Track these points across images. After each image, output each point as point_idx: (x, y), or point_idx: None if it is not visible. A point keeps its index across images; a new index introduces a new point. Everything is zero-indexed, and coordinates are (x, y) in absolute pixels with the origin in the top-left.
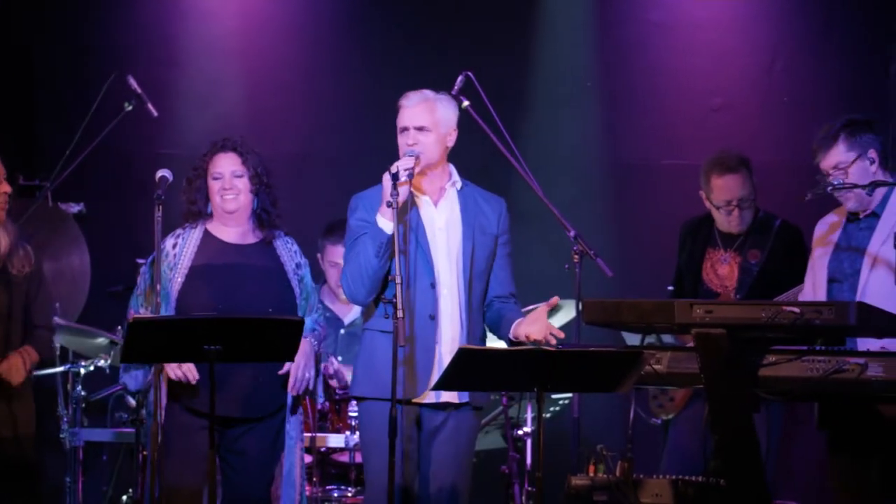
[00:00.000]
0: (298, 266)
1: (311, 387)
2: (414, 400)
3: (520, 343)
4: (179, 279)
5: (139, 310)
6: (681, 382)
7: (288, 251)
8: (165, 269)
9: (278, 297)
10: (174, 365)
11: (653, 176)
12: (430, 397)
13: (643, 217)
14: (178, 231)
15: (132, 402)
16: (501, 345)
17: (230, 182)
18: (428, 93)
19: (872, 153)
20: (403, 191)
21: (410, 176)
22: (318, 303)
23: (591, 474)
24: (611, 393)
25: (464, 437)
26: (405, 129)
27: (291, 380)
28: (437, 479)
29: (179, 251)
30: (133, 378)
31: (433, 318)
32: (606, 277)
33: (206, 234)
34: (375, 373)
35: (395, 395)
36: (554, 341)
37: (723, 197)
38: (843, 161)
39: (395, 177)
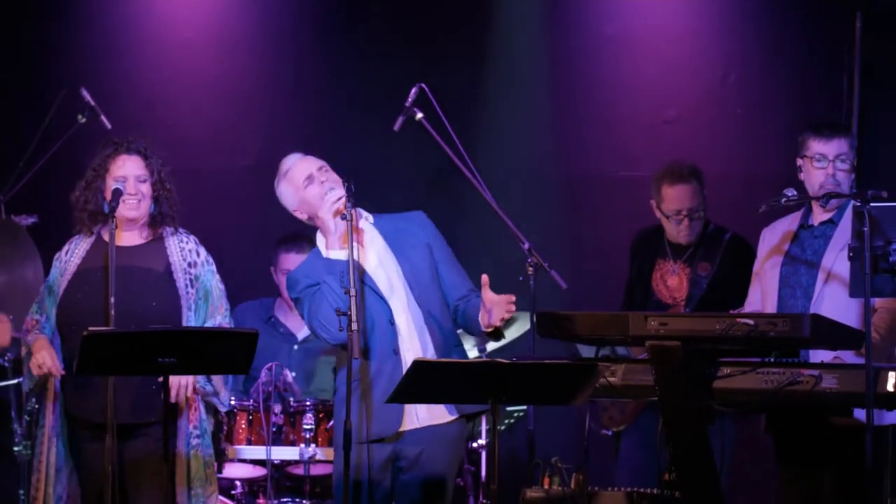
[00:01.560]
0: (192, 265)
1: (197, 390)
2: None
3: (497, 331)
4: (64, 282)
5: (33, 315)
6: (635, 395)
7: (180, 250)
8: (57, 275)
9: (159, 297)
10: (36, 363)
11: (607, 188)
12: (411, 424)
13: (597, 229)
14: (75, 238)
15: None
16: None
17: (134, 187)
18: None
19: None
20: (340, 224)
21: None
22: (265, 316)
23: (546, 487)
24: (566, 405)
25: (443, 449)
26: (309, 176)
27: (173, 389)
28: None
29: (69, 256)
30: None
31: (396, 352)
32: (561, 290)
33: (98, 237)
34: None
35: (349, 405)
36: (514, 308)
37: (673, 206)
38: (846, 154)
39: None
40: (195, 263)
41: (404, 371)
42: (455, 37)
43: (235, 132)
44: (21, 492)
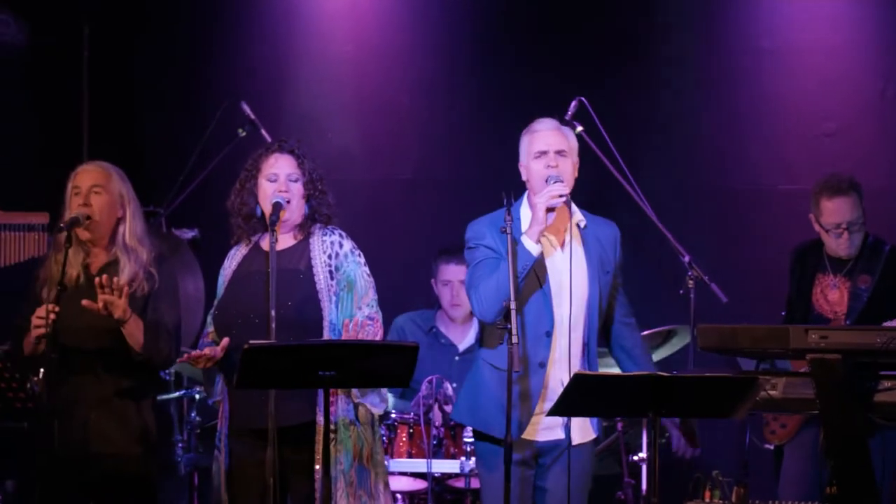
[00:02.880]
0: (333, 256)
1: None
2: (528, 438)
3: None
4: (221, 291)
5: (208, 328)
6: (796, 408)
7: (322, 243)
8: (219, 284)
9: (296, 296)
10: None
11: (766, 201)
12: (543, 436)
13: (757, 242)
14: (234, 248)
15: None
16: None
17: (285, 185)
18: (556, 121)
19: None
20: (550, 217)
21: (569, 202)
22: (426, 328)
23: (707, 500)
24: (726, 419)
25: (580, 468)
26: (544, 152)
27: None
28: None
29: (229, 263)
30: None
31: (543, 365)
32: (719, 303)
33: (255, 245)
34: (481, 407)
35: (509, 423)
36: None
37: (832, 220)
38: None
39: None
40: (336, 255)
41: (545, 384)
42: (613, 50)
43: (394, 146)
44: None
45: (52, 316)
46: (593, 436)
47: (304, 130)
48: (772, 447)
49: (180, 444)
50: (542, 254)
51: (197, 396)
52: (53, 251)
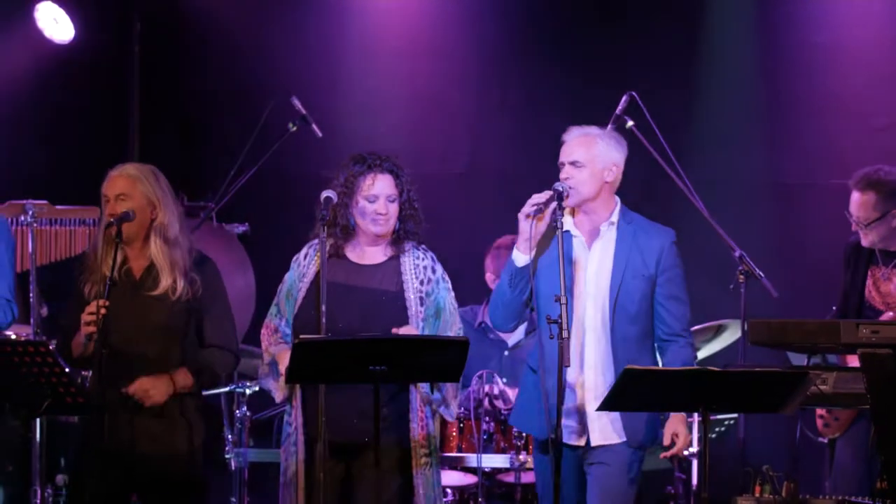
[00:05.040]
0: (424, 282)
1: (422, 398)
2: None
3: None
4: (303, 290)
5: (272, 319)
6: (847, 403)
7: (415, 267)
8: (296, 279)
9: (387, 318)
10: None
11: (818, 195)
12: (572, 439)
13: (809, 236)
14: (314, 241)
15: None
16: None
17: (384, 206)
18: (591, 129)
19: None
20: (542, 226)
21: (538, 211)
22: (474, 323)
23: (757, 495)
24: (776, 413)
25: (615, 467)
26: (561, 164)
27: None
28: None
29: (308, 262)
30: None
31: (567, 365)
32: (769, 297)
33: (338, 251)
34: (519, 408)
35: (559, 419)
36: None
37: (849, 208)
38: None
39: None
40: (429, 280)
41: (565, 386)
42: (665, 45)
43: (443, 140)
44: (234, 500)
45: (102, 311)
46: (618, 440)
47: (355, 125)
48: (825, 440)
49: (230, 440)
50: (571, 253)
51: (247, 391)
52: (94, 246)
